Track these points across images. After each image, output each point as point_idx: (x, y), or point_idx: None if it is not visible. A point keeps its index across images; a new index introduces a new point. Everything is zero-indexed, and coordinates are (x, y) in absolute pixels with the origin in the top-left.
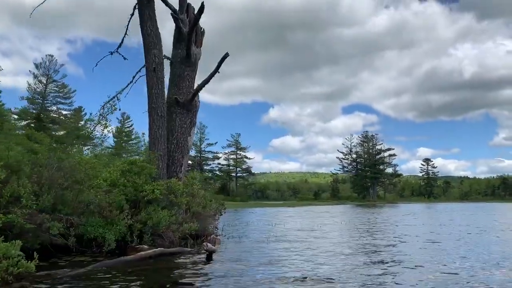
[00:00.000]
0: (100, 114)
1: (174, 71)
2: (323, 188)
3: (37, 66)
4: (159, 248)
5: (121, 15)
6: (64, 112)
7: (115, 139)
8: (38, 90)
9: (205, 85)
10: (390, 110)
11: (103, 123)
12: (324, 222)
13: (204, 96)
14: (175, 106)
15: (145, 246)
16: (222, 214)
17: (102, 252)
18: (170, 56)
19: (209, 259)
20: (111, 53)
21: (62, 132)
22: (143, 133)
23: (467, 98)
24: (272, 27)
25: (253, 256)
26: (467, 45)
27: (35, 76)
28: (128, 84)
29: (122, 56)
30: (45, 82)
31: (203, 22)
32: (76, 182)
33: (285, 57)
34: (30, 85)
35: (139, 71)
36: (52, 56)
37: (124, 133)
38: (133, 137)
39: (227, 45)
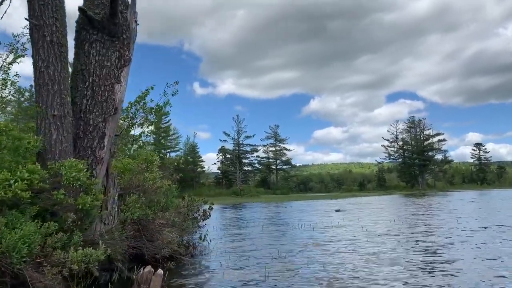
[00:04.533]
0: None
1: None
2: (368, 178)
3: None
4: None
5: (162, 19)
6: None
7: (153, 136)
8: None
9: None
10: (436, 95)
11: None
12: (384, 219)
13: (243, 90)
14: (87, 29)
15: None
16: (208, 217)
17: None
18: None
19: None
20: None
21: None
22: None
23: None
24: (310, 18)
25: None
26: None
27: None
28: None
29: None
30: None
31: (241, 16)
32: None
33: (324, 47)
34: None
35: None
36: None
37: (162, 129)
38: (171, 133)
39: (265, 38)
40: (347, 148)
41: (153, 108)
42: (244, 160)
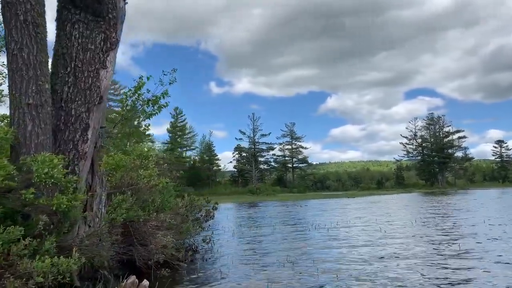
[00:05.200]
0: None
1: None
2: (386, 176)
3: None
4: None
5: (178, 19)
6: (116, 109)
7: (169, 134)
8: None
9: None
10: (456, 92)
11: None
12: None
13: (259, 89)
14: (69, 8)
15: None
16: (211, 218)
17: None
18: None
19: None
20: None
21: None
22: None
23: None
24: (326, 15)
25: None
26: None
27: None
28: None
29: None
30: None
31: (257, 14)
32: None
33: (341, 45)
34: None
35: None
36: None
37: (178, 128)
38: (187, 131)
39: (281, 36)
40: (364, 146)
41: (150, 100)
42: (260, 159)
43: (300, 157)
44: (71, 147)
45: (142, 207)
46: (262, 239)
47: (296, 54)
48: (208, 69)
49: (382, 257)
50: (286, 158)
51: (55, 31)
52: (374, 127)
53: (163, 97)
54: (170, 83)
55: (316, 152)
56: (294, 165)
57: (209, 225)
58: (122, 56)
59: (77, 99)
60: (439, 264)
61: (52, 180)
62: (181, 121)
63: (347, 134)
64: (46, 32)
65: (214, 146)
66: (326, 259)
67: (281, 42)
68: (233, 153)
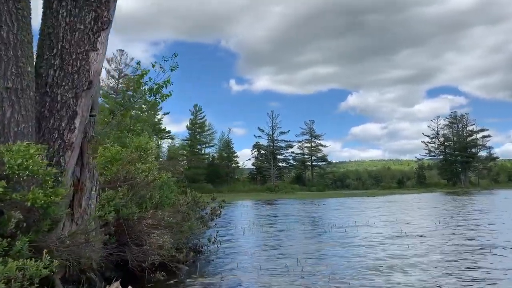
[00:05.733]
0: None
1: None
2: (407, 176)
3: (108, 61)
4: None
5: (199, 17)
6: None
7: (189, 131)
8: (111, 85)
9: None
10: (480, 90)
11: None
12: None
13: (279, 86)
14: None
15: None
16: (217, 217)
17: None
18: None
19: None
20: None
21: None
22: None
23: None
24: (348, 13)
25: None
26: None
27: (108, 72)
28: None
29: None
30: (117, 76)
31: (278, 12)
32: None
33: (363, 42)
34: (103, 80)
35: None
36: (122, 50)
37: (197, 125)
38: (206, 128)
39: (302, 34)
40: (385, 144)
41: (152, 88)
42: (278, 156)
43: (319, 155)
44: (56, 136)
45: (139, 203)
46: (274, 239)
47: (317, 52)
48: (228, 67)
49: (402, 259)
50: (305, 156)
51: (42, 9)
52: (395, 125)
53: (166, 86)
54: (171, 70)
55: (336, 150)
56: (313, 163)
57: (217, 224)
58: (143, 54)
59: (63, 83)
60: (466, 267)
61: (27, 172)
62: (201, 118)
63: (368, 132)
64: (30, 9)
65: (233, 143)
66: (341, 263)
67: (302, 40)
68: (251, 150)
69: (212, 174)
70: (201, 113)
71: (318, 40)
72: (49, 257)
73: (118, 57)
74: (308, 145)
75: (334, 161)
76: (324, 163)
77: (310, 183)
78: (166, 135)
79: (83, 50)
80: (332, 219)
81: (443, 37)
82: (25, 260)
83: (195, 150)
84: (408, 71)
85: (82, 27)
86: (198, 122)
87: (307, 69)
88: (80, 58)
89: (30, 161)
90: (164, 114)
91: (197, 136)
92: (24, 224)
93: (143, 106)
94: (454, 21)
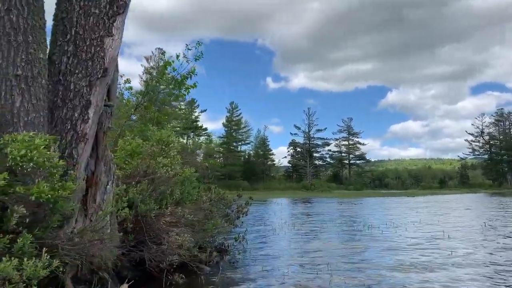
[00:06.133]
0: None
1: None
2: (449, 175)
3: (147, 59)
4: None
5: (236, 15)
6: (174, 103)
7: (225, 129)
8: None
9: None
10: None
11: None
12: None
13: (316, 84)
14: None
15: None
16: (244, 215)
17: None
18: None
19: None
20: None
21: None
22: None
23: None
24: (387, 7)
25: None
26: None
27: (146, 70)
28: None
29: None
30: (155, 74)
31: (315, 8)
32: None
33: (403, 37)
34: (141, 79)
35: None
36: (161, 49)
37: (233, 122)
38: (242, 126)
39: (340, 30)
40: (427, 143)
41: (176, 79)
42: (315, 154)
43: (357, 153)
44: (68, 127)
45: (159, 199)
46: (305, 239)
47: (355, 48)
48: (265, 65)
49: (445, 265)
50: (343, 154)
51: None
52: (437, 123)
53: (190, 77)
54: (196, 60)
55: (375, 148)
56: (350, 162)
57: (247, 222)
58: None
59: (77, 71)
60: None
61: (31, 164)
62: (237, 116)
63: (408, 130)
64: None
65: (268, 141)
66: (375, 266)
67: (339, 36)
68: (287, 148)
69: (248, 171)
70: (237, 110)
71: (356, 36)
72: (48, 256)
73: (157, 55)
74: (346, 143)
75: (372, 160)
76: (362, 161)
77: (347, 182)
78: (203, 132)
79: (97, 35)
80: (370, 219)
81: (489, 31)
82: (23, 260)
83: (231, 147)
84: (451, 66)
85: (97, 11)
86: (234, 119)
87: (345, 66)
88: (95, 44)
89: (35, 152)
90: (202, 111)
91: (233, 134)
92: (27, 220)
93: (168, 98)
94: (501, 14)
